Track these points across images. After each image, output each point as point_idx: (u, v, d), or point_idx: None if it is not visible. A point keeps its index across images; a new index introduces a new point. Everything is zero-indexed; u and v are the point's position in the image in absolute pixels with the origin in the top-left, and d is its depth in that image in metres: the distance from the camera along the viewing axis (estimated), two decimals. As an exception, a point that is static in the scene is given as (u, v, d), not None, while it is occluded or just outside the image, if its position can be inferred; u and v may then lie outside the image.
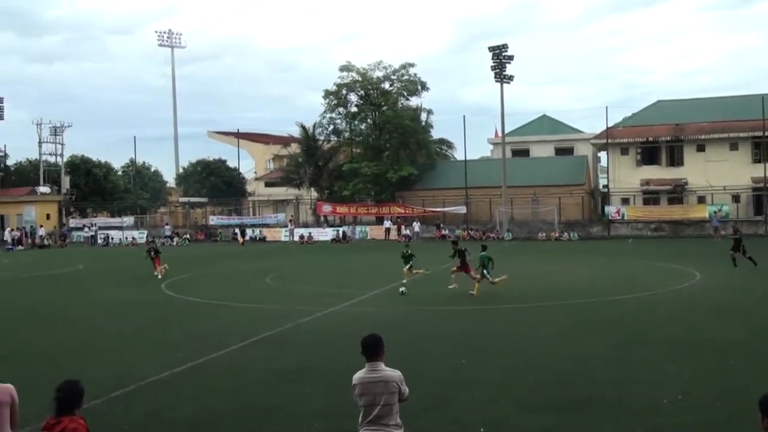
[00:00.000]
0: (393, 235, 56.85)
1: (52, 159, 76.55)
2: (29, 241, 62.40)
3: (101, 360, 13.50)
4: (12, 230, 63.07)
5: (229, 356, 13.58)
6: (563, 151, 70.47)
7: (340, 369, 11.18)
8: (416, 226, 56.96)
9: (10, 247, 58.47)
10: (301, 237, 57.94)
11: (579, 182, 59.39)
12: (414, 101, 65.33)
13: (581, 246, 45.97)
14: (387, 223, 58.26)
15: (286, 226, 62.04)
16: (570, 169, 61.55)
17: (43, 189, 71.10)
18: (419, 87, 64.24)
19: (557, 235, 53.52)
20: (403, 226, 57.46)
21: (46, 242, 61.47)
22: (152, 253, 30.12)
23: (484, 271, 21.56)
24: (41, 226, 64.87)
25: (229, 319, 18.24)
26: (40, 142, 73.84)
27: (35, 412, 7.74)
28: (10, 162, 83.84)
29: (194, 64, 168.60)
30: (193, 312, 19.89)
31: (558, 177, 59.53)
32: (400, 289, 22.01)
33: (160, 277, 28.47)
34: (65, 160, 76.84)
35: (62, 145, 74.94)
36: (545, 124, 75.97)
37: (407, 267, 24.15)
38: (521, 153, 70.47)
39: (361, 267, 33.73)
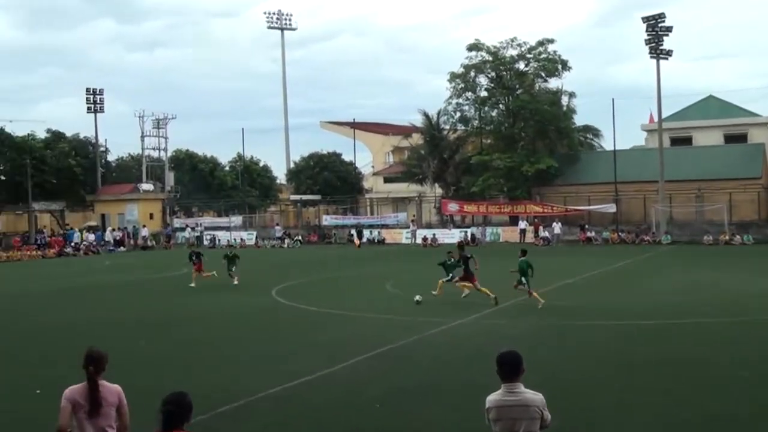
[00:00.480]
0: (529, 237, 56.06)
1: (155, 154, 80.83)
2: (131, 242, 66.18)
3: (207, 371, 14.10)
4: (114, 230, 67.09)
5: (345, 371, 13.83)
6: (734, 138, 67.07)
7: (471, 389, 11.13)
8: (556, 227, 55.89)
9: (111, 248, 62.24)
10: (424, 239, 58.18)
11: (754, 175, 56.31)
12: (553, 83, 64.17)
13: (758, 251, 43.55)
14: (522, 224, 57.51)
15: (408, 227, 62.49)
16: (743, 159, 58.48)
17: (146, 186, 75.06)
18: (560, 66, 62.98)
19: (727, 238, 51.00)
20: (540, 228, 56.56)
21: (149, 243, 64.95)
22: (194, 258, 30.50)
23: (523, 279, 21.35)
24: (144, 226, 68.58)
25: (346, 330, 18.59)
26: (142, 136, 78.17)
27: (138, 423, 8.17)
28: (111, 157, 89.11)
29: (306, 46, 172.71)
30: (305, 321, 20.40)
31: (728, 169, 56.71)
32: (416, 298, 22.42)
33: (193, 285, 28.98)
34: (169, 154, 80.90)
35: (166, 138, 78.99)
36: (711, 106, 72.65)
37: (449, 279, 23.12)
38: (682, 141, 67.69)
39: (493, 274, 33.41)
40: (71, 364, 6.23)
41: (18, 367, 14.97)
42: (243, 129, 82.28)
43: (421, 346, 16.12)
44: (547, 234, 55.42)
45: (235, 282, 29.23)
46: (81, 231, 65.72)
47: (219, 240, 65.46)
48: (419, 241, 58.76)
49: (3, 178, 70.35)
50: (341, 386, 12.75)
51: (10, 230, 74.98)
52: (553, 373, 12.77)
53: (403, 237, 61.65)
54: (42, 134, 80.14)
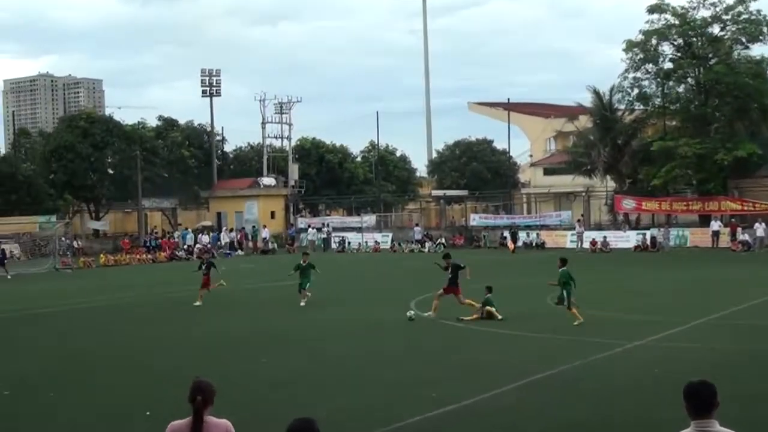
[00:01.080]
0: (724, 241, 54.07)
1: (277, 143, 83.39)
2: (250, 244, 68.37)
3: (337, 395, 14.44)
4: (230, 231, 69.48)
5: (497, 400, 13.84)
6: None
7: (649, 426, 10.90)
8: (759, 228, 53.55)
9: (228, 252, 64.50)
10: (593, 243, 57.21)
11: None
12: (756, 50, 61.51)
13: None
14: (715, 225, 55.51)
15: (573, 228, 61.62)
16: None
17: (267, 180, 77.38)
18: (765, 29, 60.33)
19: None
20: (739, 229, 54.41)
21: (270, 246, 66.87)
22: (203, 267, 29.95)
23: (564, 293, 21.81)
24: (264, 226, 70.65)
25: (497, 351, 18.61)
26: (263, 123, 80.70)
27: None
28: (228, 148, 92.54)
29: (451, 14, 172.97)
30: (450, 339, 20.57)
31: None
32: (408, 313, 23.41)
33: (199, 303, 28.45)
34: (293, 144, 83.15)
35: (289, 125, 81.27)
36: None
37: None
38: None
39: (678, 285, 32.51)
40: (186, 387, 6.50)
41: (128, 388, 15.82)
42: (377, 113, 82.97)
43: (587, 373, 15.91)
44: (747, 237, 53.24)
45: (302, 303, 27.33)
46: (195, 232, 68.49)
47: (349, 243, 66.61)
48: (586, 244, 57.80)
49: (111, 171, 74.31)
50: (492, 418, 12.76)
51: (118, 230, 79.29)
52: (754, 407, 12.31)
53: (567, 240, 60.80)
54: (153, 122, 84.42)
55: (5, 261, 48.28)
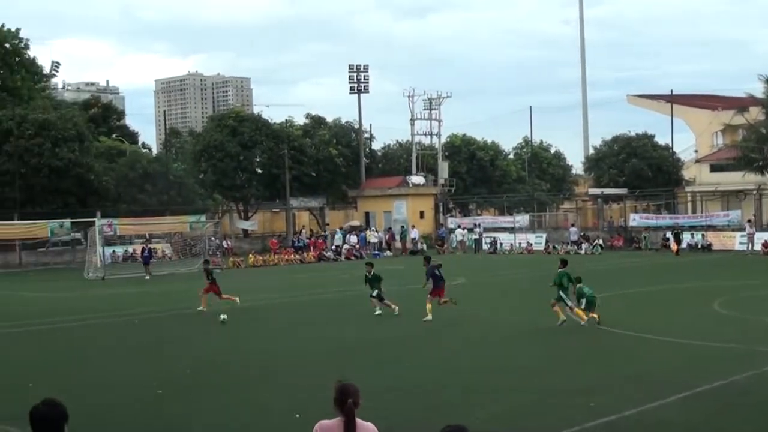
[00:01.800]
0: None
1: (426, 140, 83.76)
2: (398, 244, 68.94)
3: (487, 402, 14.40)
4: (378, 231, 70.22)
5: (661, 412, 13.52)
6: None
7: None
8: None
9: (376, 252, 65.30)
10: (765, 245, 55.06)
11: None
12: None
13: None
14: None
15: (742, 229, 59.45)
16: None
17: (416, 179, 77.82)
18: None
19: None
20: None
21: (419, 246, 67.29)
22: (208, 277, 30.00)
23: (561, 294, 22.62)
24: (413, 226, 71.16)
25: (661, 359, 18.21)
26: (412, 119, 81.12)
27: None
28: (376, 145, 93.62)
29: (608, 2, 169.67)
30: (610, 346, 20.28)
31: None
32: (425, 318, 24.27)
33: (203, 308, 28.67)
34: (443, 141, 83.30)
35: (439, 121, 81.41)
36: None
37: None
38: None
39: None
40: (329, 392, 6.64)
41: (277, 389, 16.25)
42: (531, 108, 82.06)
43: (763, 385, 15.35)
44: None
45: (378, 312, 26.82)
46: (343, 232, 69.64)
47: (501, 244, 66.32)
48: (758, 247, 55.69)
49: (259, 170, 76.45)
50: (656, 430, 12.48)
51: (267, 230, 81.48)
52: None
53: (735, 242, 58.74)
54: (300, 120, 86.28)
55: (150, 261, 50.10)
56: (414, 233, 69.79)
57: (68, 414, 5.80)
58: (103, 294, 37.23)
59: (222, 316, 26.26)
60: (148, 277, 47.14)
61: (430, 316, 25.13)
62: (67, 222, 60.04)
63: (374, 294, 27.22)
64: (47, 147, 60.09)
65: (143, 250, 51.95)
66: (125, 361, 20.01)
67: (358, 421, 6.62)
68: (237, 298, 29.68)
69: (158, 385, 16.46)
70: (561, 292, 22.94)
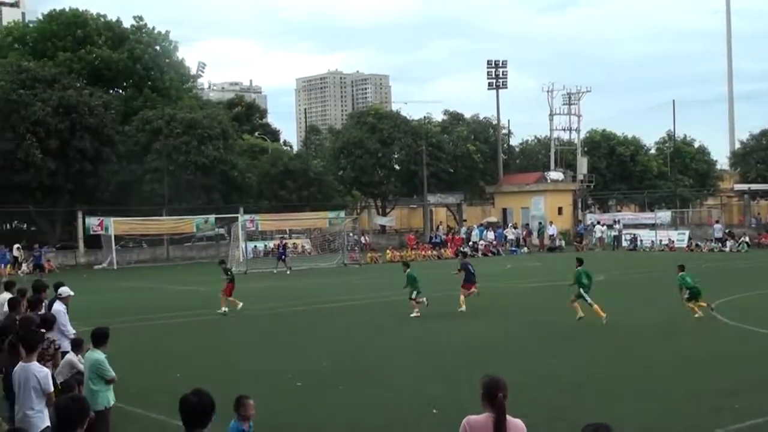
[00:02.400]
0: None
1: (565, 135, 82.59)
2: (536, 241, 68.31)
3: (626, 401, 14.13)
4: (516, 227, 69.70)
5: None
6: None
7: None
8: None
9: (513, 248, 64.88)
10: None
11: None
12: None
13: None
14: None
15: None
16: None
17: (555, 175, 76.94)
18: None
19: None
20: None
21: (557, 243, 66.54)
22: (226, 273, 30.13)
23: (581, 291, 23.93)
24: (551, 222, 70.38)
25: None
26: (550, 115, 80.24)
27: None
28: (514, 141, 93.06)
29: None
30: (756, 347, 19.65)
31: None
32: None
33: (224, 309, 28.36)
34: (582, 136, 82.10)
35: (578, 117, 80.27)
36: None
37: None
38: None
39: None
40: (471, 387, 6.65)
41: (412, 386, 16.35)
42: (673, 101, 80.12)
43: None
44: None
45: (416, 313, 26.36)
46: (481, 228, 69.46)
47: (641, 241, 64.86)
48: None
49: (397, 167, 77.01)
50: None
51: (404, 226, 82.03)
52: None
53: None
54: (438, 116, 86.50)
55: (284, 257, 50.64)
56: (552, 230, 69.02)
57: (215, 404, 6.02)
58: (245, 288, 38.17)
59: (223, 309, 28.24)
60: (288, 272, 48.08)
61: (463, 308, 27.14)
62: (212, 218, 62.02)
63: (412, 296, 27.17)
64: (194, 145, 62.03)
65: (278, 246, 52.89)
66: (266, 352, 20.53)
67: (507, 417, 6.63)
68: (240, 304, 29.12)
69: (296, 377, 16.80)
70: (581, 290, 24.06)
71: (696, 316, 23.64)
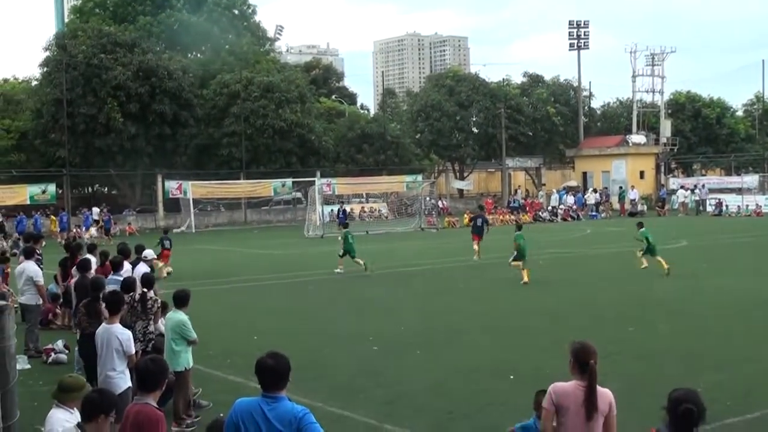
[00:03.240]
0: None
1: (648, 97, 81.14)
2: (617, 206, 67.22)
3: (709, 370, 13.89)
4: (596, 192, 68.42)
5: None
6: None
7: None
8: None
9: (593, 213, 64.00)
10: None
11: None
12: None
13: None
14: None
15: None
16: None
17: (637, 138, 75.64)
18: None
19: None
20: None
21: (638, 208, 65.42)
22: (163, 244, 30.55)
23: (646, 247, 27.26)
24: (633, 187, 69.19)
25: None
26: (633, 76, 78.75)
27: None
28: (595, 104, 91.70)
29: None
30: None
31: None
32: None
33: (163, 275, 27.88)
34: (665, 98, 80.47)
35: (662, 78, 78.61)
36: None
37: None
38: None
39: None
40: (552, 354, 6.59)
41: (492, 349, 16.33)
42: (763, 61, 77.69)
43: None
44: None
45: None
46: (561, 192, 68.70)
47: (727, 206, 63.47)
48: None
49: (476, 130, 76.54)
50: None
51: (482, 190, 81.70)
52: None
53: None
54: (518, 78, 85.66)
55: (345, 222, 49.16)
56: (633, 194, 67.91)
57: (290, 366, 6.06)
58: (322, 251, 38.50)
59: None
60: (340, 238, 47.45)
61: (476, 257, 31.90)
62: (289, 181, 62.56)
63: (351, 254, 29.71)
64: (271, 108, 62.48)
65: (339, 210, 52.45)
66: (345, 315, 20.67)
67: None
68: (170, 268, 30.03)
69: (374, 341, 16.90)
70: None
71: (642, 267, 27.04)
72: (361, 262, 29.42)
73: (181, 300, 12.03)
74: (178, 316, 11.86)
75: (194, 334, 11.89)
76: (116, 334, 10.29)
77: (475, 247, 32.28)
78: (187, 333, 11.82)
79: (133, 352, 10.40)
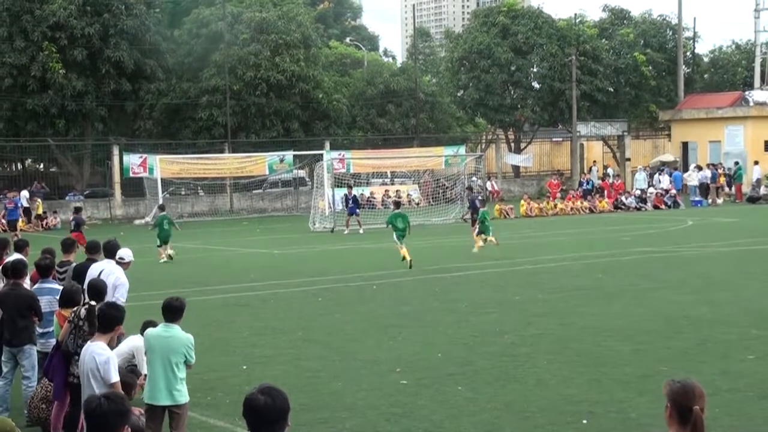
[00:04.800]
0: None
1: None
2: (731, 188, 66.40)
3: None
4: (701, 169, 67.05)
5: None
6: None
7: None
8: None
9: (697, 199, 63.21)
10: None
11: None
12: None
13: None
14: None
15: None
16: None
17: (761, 95, 74.87)
18: None
19: None
20: None
21: (761, 191, 64.33)
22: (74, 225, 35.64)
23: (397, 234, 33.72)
24: (756, 162, 67.64)
25: None
26: (756, 10, 78.20)
27: None
28: (702, 48, 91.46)
29: None
30: None
31: None
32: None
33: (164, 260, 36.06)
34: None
35: (798, 12, 78.00)
36: None
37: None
38: None
39: None
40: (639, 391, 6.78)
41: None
42: None
43: None
44: None
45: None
46: (649, 171, 68.23)
47: None
48: None
49: (537, 85, 76.20)
50: None
51: (545, 168, 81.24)
52: None
53: None
54: (595, 14, 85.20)
55: (357, 211, 49.71)
56: (757, 171, 66.53)
57: (290, 406, 6.22)
58: (333, 250, 38.72)
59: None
60: (346, 231, 48.01)
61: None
62: (289, 155, 62.15)
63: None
64: (265, 56, 62.30)
65: (346, 197, 51.84)
66: (364, 336, 20.81)
67: None
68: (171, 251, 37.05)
69: (403, 371, 17.08)
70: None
71: (474, 250, 35.55)
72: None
73: (174, 311, 12.06)
74: (179, 333, 11.92)
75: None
76: (93, 354, 10.83)
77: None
78: (192, 354, 12.04)
79: (114, 380, 10.79)
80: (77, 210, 38.32)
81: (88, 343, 11.17)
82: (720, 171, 67.50)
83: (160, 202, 49.92)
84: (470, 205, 41.02)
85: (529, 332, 21.10)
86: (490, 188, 65.96)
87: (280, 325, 22.79)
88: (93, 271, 16.19)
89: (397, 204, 38.25)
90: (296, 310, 24.91)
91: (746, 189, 66.17)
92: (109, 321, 11.21)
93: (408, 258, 31.94)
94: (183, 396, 11.87)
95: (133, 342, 14.38)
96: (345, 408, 14.99)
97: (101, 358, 10.74)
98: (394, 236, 33.46)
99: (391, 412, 14.78)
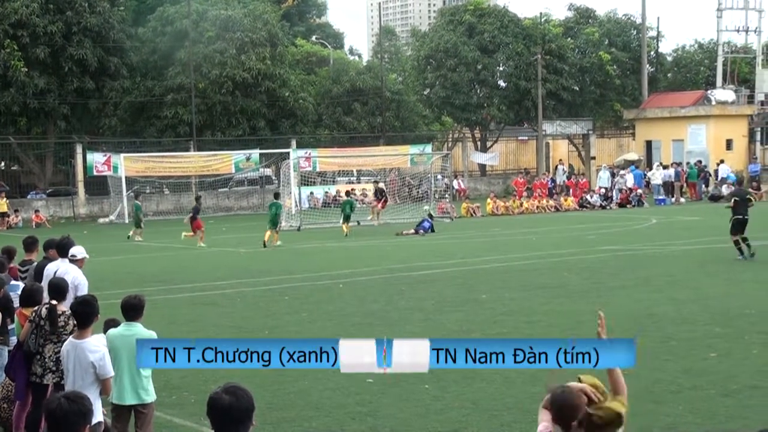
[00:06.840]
0: None
1: (738, 39, 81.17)
2: (702, 187, 66.59)
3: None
4: (663, 167, 67.30)
5: None
6: None
7: None
8: None
9: (660, 198, 63.49)
10: None
11: None
12: None
13: None
14: None
15: None
16: None
17: (723, 94, 75.27)
18: None
19: None
20: None
21: (724, 190, 64.68)
22: (192, 214, 42.51)
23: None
24: (721, 162, 67.93)
25: None
26: (719, 9, 78.56)
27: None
28: (665, 47, 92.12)
29: None
30: None
31: None
32: None
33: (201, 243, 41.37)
34: (763, 40, 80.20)
35: (759, 12, 78.36)
36: None
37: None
38: None
39: None
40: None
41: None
42: None
43: None
44: None
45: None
46: (612, 169, 68.31)
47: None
48: None
49: (503, 84, 76.41)
50: None
51: (510, 166, 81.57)
52: None
53: None
54: (560, 13, 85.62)
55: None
56: (724, 171, 66.83)
57: (254, 405, 6.22)
58: (299, 249, 38.72)
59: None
60: (299, 230, 48.89)
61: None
62: (256, 153, 62.22)
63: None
64: (230, 54, 62.31)
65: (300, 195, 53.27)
66: (330, 335, 20.71)
67: None
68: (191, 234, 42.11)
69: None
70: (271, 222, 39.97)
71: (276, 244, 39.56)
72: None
73: (134, 309, 11.98)
74: (141, 330, 11.76)
75: None
76: (87, 352, 10.87)
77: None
78: None
79: (109, 375, 10.95)
80: (197, 199, 45.37)
81: (72, 339, 11.20)
82: (682, 170, 67.73)
83: (125, 200, 50.14)
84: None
85: (495, 330, 21.14)
86: (456, 186, 66.10)
87: (246, 324, 22.75)
88: (48, 271, 16.02)
89: (347, 193, 45.82)
90: (263, 308, 24.90)
91: (710, 187, 66.28)
92: (87, 316, 11.27)
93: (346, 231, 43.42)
94: (149, 395, 11.83)
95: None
96: (311, 407, 15.02)
97: (97, 355, 10.83)
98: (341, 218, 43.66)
99: (357, 410, 14.82)
